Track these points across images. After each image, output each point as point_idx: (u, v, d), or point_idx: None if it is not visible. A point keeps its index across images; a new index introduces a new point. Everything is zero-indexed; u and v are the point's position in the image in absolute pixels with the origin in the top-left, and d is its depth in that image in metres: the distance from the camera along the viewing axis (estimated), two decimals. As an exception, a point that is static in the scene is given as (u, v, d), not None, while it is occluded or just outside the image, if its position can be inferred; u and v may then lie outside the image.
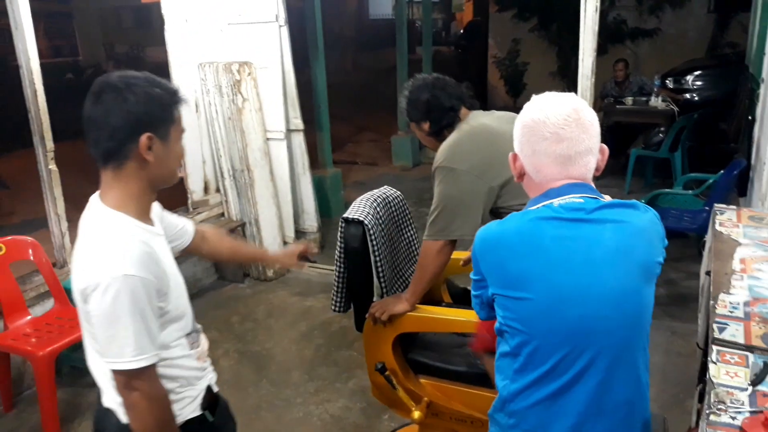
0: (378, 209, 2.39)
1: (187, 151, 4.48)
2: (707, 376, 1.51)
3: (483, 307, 1.49)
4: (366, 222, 2.28)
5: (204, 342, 1.60)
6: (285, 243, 4.71)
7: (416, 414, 2.23)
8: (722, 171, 4.50)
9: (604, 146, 1.37)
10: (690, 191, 4.81)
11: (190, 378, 1.52)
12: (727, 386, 1.45)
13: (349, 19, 17.09)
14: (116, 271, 1.28)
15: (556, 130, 1.31)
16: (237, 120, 4.39)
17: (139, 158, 1.35)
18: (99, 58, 15.25)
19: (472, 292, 1.50)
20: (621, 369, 1.36)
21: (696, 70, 8.20)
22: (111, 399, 1.46)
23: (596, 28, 3.48)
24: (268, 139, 4.54)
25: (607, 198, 1.38)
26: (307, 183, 4.92)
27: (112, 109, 1.32)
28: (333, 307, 2.47)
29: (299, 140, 4.81)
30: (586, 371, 1.33)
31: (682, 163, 6.13)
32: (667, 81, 7.86)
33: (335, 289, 2.44)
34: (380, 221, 2.37)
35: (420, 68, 8.37)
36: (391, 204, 2.51)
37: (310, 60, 5.62)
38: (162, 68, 3.89)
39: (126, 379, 1.34)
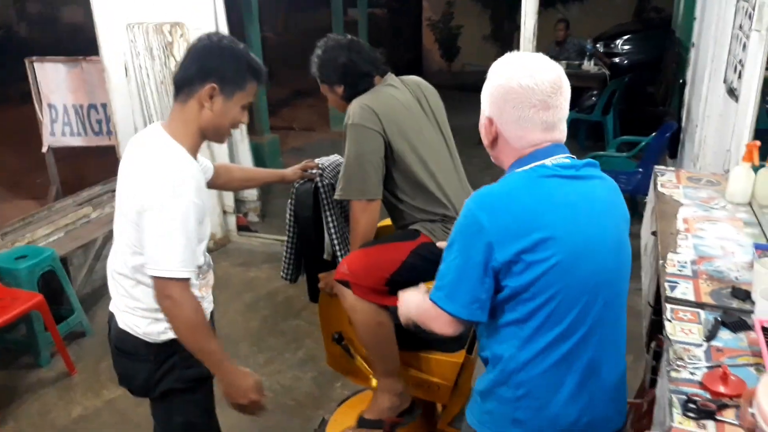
0: (328, 173, 2.34)
1: (118, 117, 4.33)
2: (663, 333, 1.56)
3: (482, 290, 1.32)
4: (318, 181, 2.24)
5: (211, 277, 1.80)
6: (224, 212, 4.57)
7: (374, 382, 2.23)
8: (654, 134, 4.66)
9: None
10: (623, 153, 4.97)
11: None
12: (684, 342, 1.50)
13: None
14: (177, 194, 1.52)
15: (544, 98, 1.30)
16: (170, 84, 4.18)
17: (200, 102, 1.57)
18: (9, 20, 14.23)
19: (452, 278, 1.34)
20: (620, 318, 1.44)
21: (624, 34, 8.40)
22: (113, 304, 1.73)
23: (537, -9, 3.48)
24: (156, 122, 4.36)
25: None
26: (245, 150, 4.78)
27: (199, 54, 1.60)
28: (283, 275, 2.42)
29: (236, 105, 4.64)
30: (595, 326, 1.35)
31: (613, 126, 6.30)
32: (598, 45, 8.03)
33: (285, 257, 2.39)
34: (331, 184, 2.32)
35: (355, 30, 8.22)
36: (337, 170, 2.45)
37: (244, 20, 5.42)
38: (80, 30, 3.66)
39: (168, 287, 1.55)
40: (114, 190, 3.41)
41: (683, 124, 4.28)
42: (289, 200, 2.32)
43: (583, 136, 6.75)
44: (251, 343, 3.40)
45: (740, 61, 2.82)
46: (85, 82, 4.55)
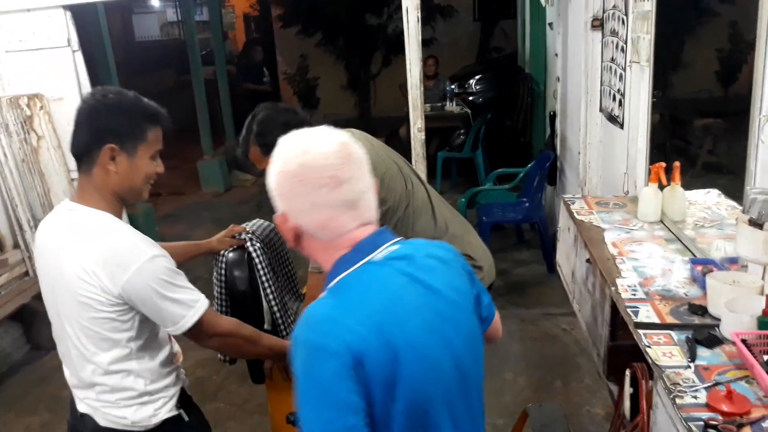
0: (258, 236, 2.17)
1: (-27, 204, 3.81)
2: (649, 360, 1.57)
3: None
4: (248, 247, 2.08)
5: (176, 345, 1.70)
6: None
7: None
8: (531, 164, 4.92)
9: (376, 180, 1.16)
10: (504, 186, 5.19)
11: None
12: (671, 367, 1.52)
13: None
14: (143, 255, 1.43)
15: (333, 173, 1.07)
16: (33, 162, 3.78)
17: (103, 168, 1.45)
18: None
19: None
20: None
21: (474, 74, 8.93)
22: (86, 405, 1.57)
23: (419, 38, 3.56)
24: (73, 179, 3.97)
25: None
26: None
27: (87, 117, 1.46)
28: (221, 357, 2.20)
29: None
30: None
31: (483, 161, 6.60)
32: (453, 86, 8.45)
33: None
34: (263, 251, 2.15)
35: (210, 88, 8.02)
36: (268, 236, 2.30)
37: (102, 82, 5.07)
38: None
39: (203, 328, 1.51)
40: None
41: (559, 152, 4.56)
42: (215, 272, 2.12)
43: (455, 173, 7.00)
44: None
45: (618, 90, 3.05)
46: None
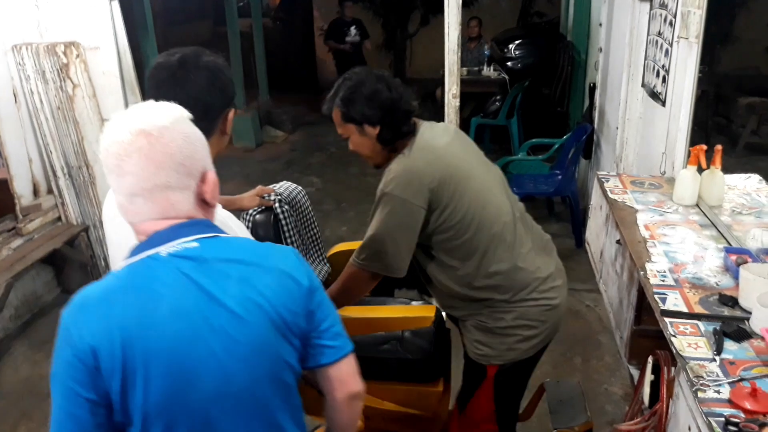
0: (285, 198, 2.17)
1: (10, 149, 3.87)
2: (673, 350, 1.54)
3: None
4: (277, 209, 2.08)
5: None
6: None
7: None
8: (567, 135, 4.82)
9: (210, 174, 1.11)
10: (537, 156, 5.10)
11: None
12: (696, 359, 1.49)
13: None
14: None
15: (118, 162, 1.04)
16: (68, 110, 3.81)
17: (222, 130, 1.45)
18: None
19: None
20: None
21: (515, 39, 8.71)
22: None
23: (460, 1, 3.47)
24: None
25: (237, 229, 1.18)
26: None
27: (207, 81, 1.40)
28: None
29: (142, 128, 4.31)
30: None
31: (518, 130, 6.48)
32: (489, 51, 8.26)
33: None
34: (289, 213, 2.16)
35: (244, 41, 7.95)
36: (295, 198, 2.29)
37: (140, 37, 5.07)
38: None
39: None
40: (10, 229, 2.96)
41: (596, 125, 4.45)
42: (246, 225, 2.13)
43: (489, 140, 6.90)
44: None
45: (663, 66, 2.93)
46: (-38, 111, 4.04)
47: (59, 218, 4.05)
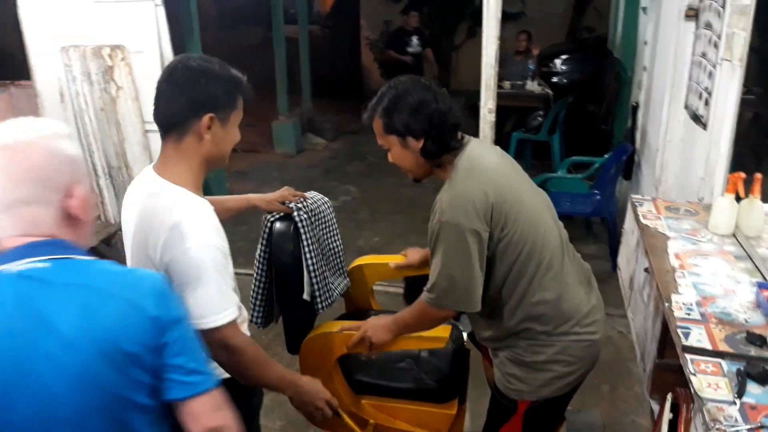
0: (308, 206, 2.16)
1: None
2: (691, 390, 1.47)
3: None
4: (296, 216, 2.07)
5: (245, 313, 1.68)
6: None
7: (360, 439, 2.07)
8: (608, 154, 4.71)
9: (78, 188, 1.13)
10: (577, 175, 5.00)
11: None
12: (714, 400, 1.42)
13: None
14: (200, 241, 1.41)
15: None
16: (111, 111, 3.91)
17: (198, 136, 1.46)
18: None
19: None
20: None
21: (561, 54, 8.58)
22: None
23: (499, 15, 3.43)
24: (147, 131, 4.08)
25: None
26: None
27: (183, 86, 1.45)
28: (252, 319, 2.21)
29: (181, 132, 4.39)
30: None
31: (559, 146, 6.37)
32: (533, 65, 8.16)
33: (253, 297, 2.18)
34: (310, 222, 2.14)
35: (290, 47, 8.03)
36: (319, 208, 2.28)
37: (185, 42, 5.16)
38: (8, 53, 3.37)
39: (218, 336, 1.42)
40: None
41: (638, 146, 4.33)
42: (262, 237, 2.13)
43: (530, 155, 6.80)
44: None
45: (706, 88, 2.83)
46: (13, 108, 4.20)
47: (98, 217, 4.15)
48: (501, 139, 6.83)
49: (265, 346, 3.49)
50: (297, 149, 7.33)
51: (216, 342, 1.42)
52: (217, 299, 1.43)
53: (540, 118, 6.46)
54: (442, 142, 1.71)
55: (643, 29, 4.71)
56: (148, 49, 4.00)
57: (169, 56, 4.12)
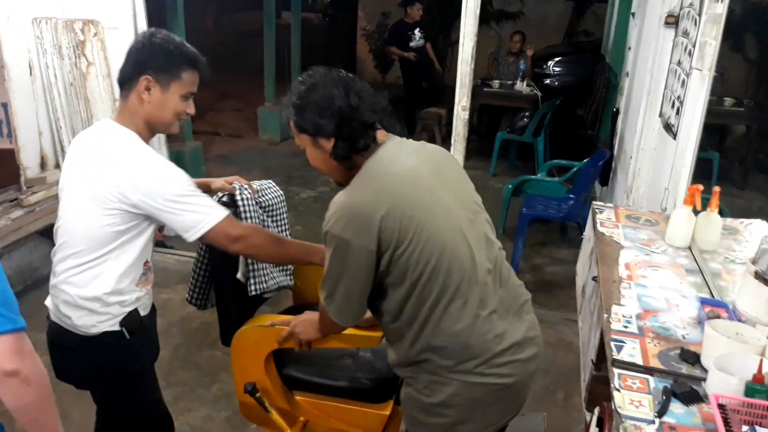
0: (248, 192, 2.10)
1: (20, 120, 3.91)
2: (612, 404, 1.42)
3: None
4: (237, 196, 2.01)
5: (151, 276, 1.86)
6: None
7: (290, 434, 2.02)
8: (586, 159, 4.65)
9: None
10: (555, 178, 4.94)
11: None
12: (634, 418, 1.37)
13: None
14: (164, 168, 1.66)
15: None
16: (81, 87, 3.83)
17: (139, 96, 1.67)
18: None
19: None
20: None
21: (555, 56, 8.52)
22: (49, 300, 1.80)
23: (477, 11, 3.36)
24: (104, 119, 4.01)
25: None
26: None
27: (134, 51, 1.69)
28: (188, 299, 2.18)
29: (155, 112, 4.32)
30: None
31: (544, 148, 6.32)
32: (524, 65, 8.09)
33: (193, 279, 2.14)
34: (252, 205, 2.07)
35: (287, 34, 7.95)
36: (268, 197, 2.22)
37: (168, 19, 5.09)
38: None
39: (218, 235, 1.71)
40: (12, 200, 3.21)
41: (615, 152, 4.28)
42: None
43: (514, 156, 6.75)
44: (160, 376, 3.05)
45: (678, 97, 2.78)
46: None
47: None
48: (489, 139, 6.82)
49: (210, 324, 3.41)
50: (282, 136, 7.25)
51: (222, 239, 1.70)
52: (200, 209, 1.67)
53: (526, 119, 6.40)
54: (352, 142, 1.53)
55: (630, 34, 4.65)
56: (123, 26, 3.93)
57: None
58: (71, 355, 1.79)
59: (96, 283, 1.70)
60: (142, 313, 1.83)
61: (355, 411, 2.04)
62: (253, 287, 2.06)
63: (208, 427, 2.80)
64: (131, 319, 1.78)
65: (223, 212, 1.71)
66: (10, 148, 3.91)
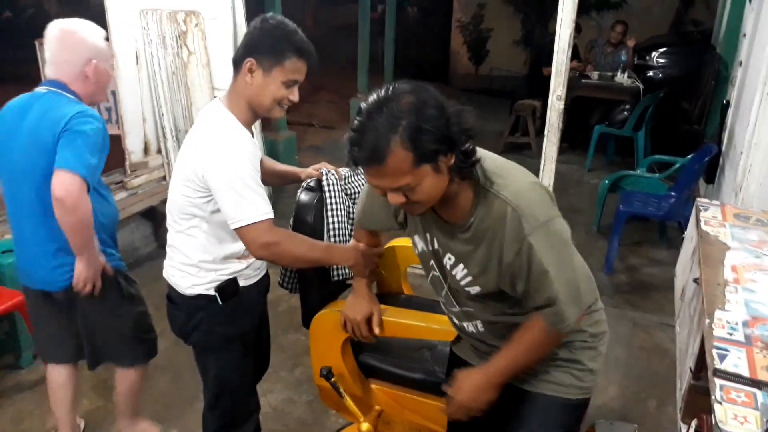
0: (338, 185, 2.10)
1: (126, 107, 4.12)
2: (713, 420, 1.30)
3: None
4: (324, 184, 2.03)
5: None
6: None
7: (364, 426, 2.00)
8: (690, 155, 4.37)
9: (93, 61, 2.05)
10: (655, 174, 4.67)
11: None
12: (737, 434, 1.25)
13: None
14: (234, 156, 1.68)
15: None
16: (182, 75, 3.99)
17: (243, 77, 1.72)
18: (40, -3, 14.13)
19: None
20: None
21: (660, 47, 8.07)
22: (165, 267, 1.94)
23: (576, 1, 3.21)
24: (215, 97, 4.14)
25: None
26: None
27: (246, 35, 1.77)
28: (280, 282, 2.20)
29: (250, 101, 4.44)
30: None
31: (644, 143, 6.00)
32: (625, 56, 7.69)
33: None
34: (339, 190, 2.07)
35: (382, 28, 7.97)
36: (357, 188, 2.20)
37: (265, 11, 5.20)
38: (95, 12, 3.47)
39: (248, 235, 1.70)
40: (117, 182, 3.49)
41: (723, 148, 3.99)
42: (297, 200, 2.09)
43: (612, 150, 6.46)
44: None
45: (800, 87, 2.54)
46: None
47: (164, 177, 4.27)
48: (585, 132, 6.54)
49: (297, 308, 3.47)
50: (371, 128, 7.26)
51: (251, 242, 1.71)
52: (247, 204, 1.67)
53: (626, 113, 6.10)
54: (470, 155, 1.34)
55: (746, 21, 4.32)
56: (222, 17, 4.05)
57: (242, 25, 4.16)
58: (174, 308, 1.96)
59: (190, 250, 1.84)
60: (242, 283, 1.90)
61: (430, 405, 2.00)
62: (335, 272, 2.05)
63: (289, 409, 2.84)
64: (227, 287, 1.87)
65: (264, 215, 1.69)
66: (118, 134, 4.13)
